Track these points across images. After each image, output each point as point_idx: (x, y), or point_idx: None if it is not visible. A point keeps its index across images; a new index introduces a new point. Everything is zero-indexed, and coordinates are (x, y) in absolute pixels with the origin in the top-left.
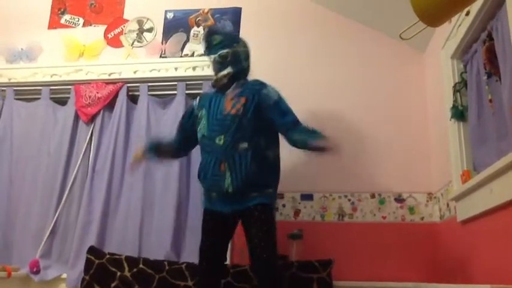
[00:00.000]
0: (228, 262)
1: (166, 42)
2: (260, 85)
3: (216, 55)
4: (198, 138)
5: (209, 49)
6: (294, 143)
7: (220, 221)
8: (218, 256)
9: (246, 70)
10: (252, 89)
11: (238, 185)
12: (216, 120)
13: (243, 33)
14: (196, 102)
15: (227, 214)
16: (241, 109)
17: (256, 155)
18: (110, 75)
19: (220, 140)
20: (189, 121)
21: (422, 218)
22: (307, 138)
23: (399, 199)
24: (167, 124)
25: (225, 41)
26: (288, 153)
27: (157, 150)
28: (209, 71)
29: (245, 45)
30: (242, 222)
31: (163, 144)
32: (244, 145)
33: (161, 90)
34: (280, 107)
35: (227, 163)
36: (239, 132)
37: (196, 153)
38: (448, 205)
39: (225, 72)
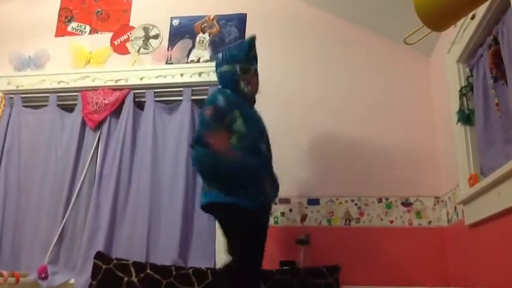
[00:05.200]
0: None
1: (172, 49)
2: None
3: None
4: None
5: None
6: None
7: None
8: None
9: (222, 74)
10: None
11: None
12: None
13: None
14: None
15: None
16: None
17: None
18: (116, 81)
19: None
20: None
21: (429, 222)
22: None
23: (406, 203)
24: (173, 130)
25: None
26: (293, 159)
27: None
28: (214, 77)
29: (220, 59)
30: None
31: None
32: None
33: (167, 96)
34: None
35: None
36: None
37: None
38: (455, 209)
39: None
